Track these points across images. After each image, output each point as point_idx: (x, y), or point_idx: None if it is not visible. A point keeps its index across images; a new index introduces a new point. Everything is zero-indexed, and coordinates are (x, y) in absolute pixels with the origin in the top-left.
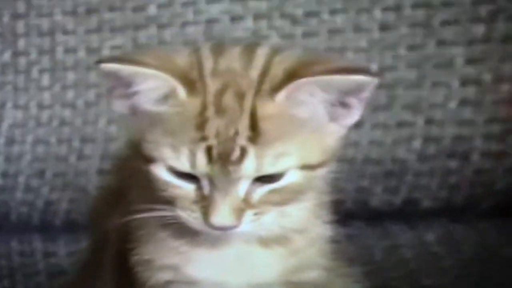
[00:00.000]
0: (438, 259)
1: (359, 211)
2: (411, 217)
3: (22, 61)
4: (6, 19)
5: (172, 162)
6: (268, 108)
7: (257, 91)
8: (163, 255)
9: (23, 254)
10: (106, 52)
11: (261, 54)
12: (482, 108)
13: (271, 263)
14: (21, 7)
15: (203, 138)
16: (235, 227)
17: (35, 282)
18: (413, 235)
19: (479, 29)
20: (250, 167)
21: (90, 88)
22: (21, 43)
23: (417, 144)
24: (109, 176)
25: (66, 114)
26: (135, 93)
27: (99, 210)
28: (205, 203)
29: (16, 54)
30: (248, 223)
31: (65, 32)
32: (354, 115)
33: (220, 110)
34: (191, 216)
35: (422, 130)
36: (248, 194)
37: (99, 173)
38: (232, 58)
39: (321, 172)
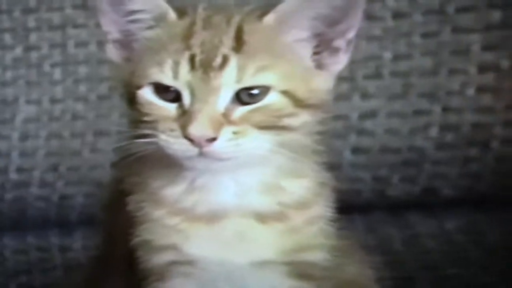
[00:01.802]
0: (460, 249)
1: (378, 201)
2: (430, 206)
3: (34, 55)
4: (17, 14)
5: (156, 76)
6: (255, 26)
7: (246, 15)
8: (162, 235)
9: (39, 249)
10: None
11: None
12: (501, 95)
13: (270, 240)
14: (32, 2)
15: (187, 48)
16: (212, 139)
17: (52, 277)
18: (433, 224)
19: (496, 15)
20: (231, 75)
21: (102, 82)
22: (33, 37)
23: (434, 132)
24: (113, 171)
25: (78, 108)
26: (128, 15)
27: (106, 207)
28: (185, 118)
29: (27, 48)
30: (227, 141)
31: (76, 26)
32: (341, 60)
33: (207, 26)
34: (171, 136)
35: (440, 118)
36: (228, 110)
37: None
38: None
39: (305, 117)
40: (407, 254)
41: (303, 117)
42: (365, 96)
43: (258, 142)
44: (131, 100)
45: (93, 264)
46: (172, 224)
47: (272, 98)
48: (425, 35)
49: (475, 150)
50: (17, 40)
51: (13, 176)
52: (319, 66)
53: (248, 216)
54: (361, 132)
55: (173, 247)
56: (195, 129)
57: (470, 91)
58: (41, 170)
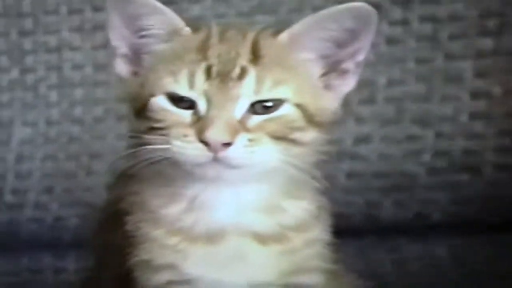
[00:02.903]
0: (448, 274)
1: (369, 225)
2: (421, 231)
3: (30, 77)
4: (13, 36)
5: (171, 86)
6: (270, 41)
7: (260, 32)
8: (161, 254)
9: (33, 270)
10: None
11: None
12: (493, 121)
13: (268, 261)
14: (28, 24)
15: (204, 58)
16: (228, 144)
17: None
18: (422, 249)
19: (487, 43)
20: (249, 86)
21: (98, 104)
22: (29, 60)
23: (426, 157)
24: (107, 193)
25: (74, 130)
26: (141, 31)
27: (99, 229)
28: (200, 124)
29: (24, 71)
30: (242, 148)
31: (72, 48)
32: (349, 82)
33: (223, 39)
34: (185, 141)
35: (432, 143)
36: (244, 118)
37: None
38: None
39: (313, 134)
40: (395, 278)
41: (311, 134)
42: (359, 121)
43: (271, 152)
44: (140, 110)
45: (85, 286)
46: (171, 243)
47: (286, 110)
48: (418, 61)
49: (466, 176)
50: (13, 62)
51: (8, 198)
52: (327, 86)
53: (247, 236)
54: (355, 156)
55: (171, 267)
56: (212, 133)
57: (463, 117)
58: (36, 192)
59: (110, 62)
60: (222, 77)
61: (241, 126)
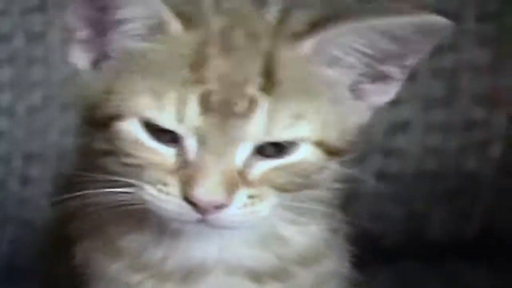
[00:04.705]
0: None
1: (412, 246)
2: (489, 254)
3: None
4: None
5: (151, 113)
6: (289, 56)
7: (276, 35)
8: None
9: None
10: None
11: (274, 2)
12: None
13: None
14: None
15: (199, 81)
16: (223, 204)
17: None
18: (492, 278)
19: None
20: (258, 126)
21: (34, 89)
22: None
23: (495, 150)
24: (53, 207)
25: (1, 124)
26: (115, 23)
27: (42, 258)
28: (187, 172)
29: None
30: (240, 208)
31: None
32: (390, 90)
33: (225, 49)
34: (163, 192)
35: (503, 131)
36: (246, 167)
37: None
38: (237, 0)
39: (336, 165)
40: None
41: (331, 168)
42: (394, 102)
43: (274, 206)
44: (98, 123)
45: None
46: (134, 282)
47: (304, 153)
48: (479, 18)
49: None
50: None
51: None
52: (359, 96)
53: (237, 274)
54: (388, 151)
55: None
56: (203, 192)
57: None
58: None
59: (50, 32)
60: (224, 111)
61: (241, 178)
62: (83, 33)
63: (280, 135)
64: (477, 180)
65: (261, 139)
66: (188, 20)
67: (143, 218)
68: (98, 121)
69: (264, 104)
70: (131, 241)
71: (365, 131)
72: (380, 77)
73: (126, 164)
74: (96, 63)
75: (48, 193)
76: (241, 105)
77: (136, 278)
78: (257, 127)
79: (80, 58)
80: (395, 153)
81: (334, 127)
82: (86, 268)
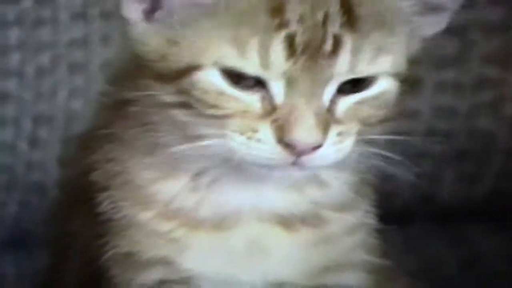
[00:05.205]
0: None
1: (423, 208)
2: (499, 216)
3: None
4: None
5: (233, 61)
6: None
7: None
8: (149, 245)
9: None
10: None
11: None
12: None
13: (295, 253)
14: None
15: (282, 25)
16: (319, 145)
17: None
18: (502, 240)
19: None
20: (344, 63)
21: (42, 50)
22: None
23: (509, 109)
24: (66, 168)
25: (9, 86)
26: None
27: (55, 216)
28: (277, 116)
29: None
30: (332, 145)
31: None
32: (442, 21)
33: None
34: (253, 139)
35: None
36: (332, 104)
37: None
38: None
39: (396, 93)
40: (465, 281)
41: (396, 93)
42: None
43: (354, 142)
44: (168, 77)
45: None
46: (164, 230)
47: (384, 85)
48: None
49: None
50: None
51: None
52: (414, 27)
53: (268, 220)
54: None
55: (164, 262)
56: (302, 135)
57: None
58: None
59: None
60: (309, 51)
61: (330, 115)
62: None
63: (365, 70)
64: (488, 141)
65: (347, 75)
66: None
67: (179, 164)
68: (166, 75)
69: (348, 41)
70: (162, 188)
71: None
72: (431, 9)
73: (207, 115)
74: (150, 14)
75: (57, 155)
76: (328, 44)
77: (166, 226)
78: (344, 65)
79: (133, 9)
80: (405, 113)
81: (404, 57)
82: (113, 217)
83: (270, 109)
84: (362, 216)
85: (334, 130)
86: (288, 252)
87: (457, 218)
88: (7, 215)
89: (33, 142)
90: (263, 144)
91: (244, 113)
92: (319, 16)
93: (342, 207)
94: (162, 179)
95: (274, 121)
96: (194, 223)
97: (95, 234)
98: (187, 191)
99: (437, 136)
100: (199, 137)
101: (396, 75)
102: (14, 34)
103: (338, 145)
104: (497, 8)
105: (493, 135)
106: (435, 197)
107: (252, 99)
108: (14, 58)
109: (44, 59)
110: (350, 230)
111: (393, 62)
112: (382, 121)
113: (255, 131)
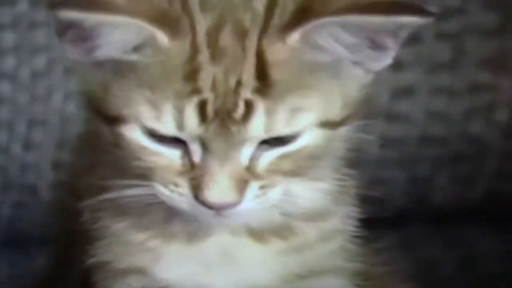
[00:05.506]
0: None
1: (416, 211)
2: (494, 218)
3: None
4: None
5: (151, 123)
6: (279, 51)
7: (264, 29)
8: (126, 254)
9: None
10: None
11: None
12: None
13: (268, 263)
14: None
15: (195, 91)
16: (236, 203)
17: None
18: (496, 241)
19: None
20: (258, 126)
21: (38, 53)
22: None
23: (502, 115)
24: (67, 166)
25: (4, 89)
26: (98, 46)
27: (59, 213)
28: (195, 174)
29: None
30: (252, 199)
31: None
32: (386, 58)
33: (216, 54)
34: (175, 193)
35: (510, 95)
36: (252, 160)
37: (55, 167)
38: None
39: (343, 131)
40: (461, 283)
41: (340, 136)
42: (398, 66)
43: (285, 188)
44: (105, 119)
45: None
46: (138, 241)
47: (307, 137)
48: None
49: None
50: None
51: None
52: (357, 62)
53: (240, 233)
54: (393, 116)
55: (140, 271)
56: (213, 195)
57: None
58: None
59: None
60: (222, 118)
61: (249, 172)
62: (72, 36)
63: (282, 131)
64: (482, 145)
65: (263, 137)
66: (174, 26)
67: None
68: (103, 116)
69: (260, 106)
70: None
71: (369, 96)
72: (376, 47)
73: (134, 166)
74: (93, 61)
75: (51, 158)
76: (239, 111)
77: (140, 236)
78: (257, 129)
79: (74, 53)
80: (399, 118)
81: (336, 103)
82: (92, 226)
83: (189, 167)
84: (339, 222)
85: (254, 185)
86: (260, 262)
87: (452, 220)
88: (1, 217)
89: (28, 145)
90: (184, 198)
91: (166, 167)
92: (231, 82)
93: (316, 216)
94: (134, 188)
95: (192, 179)
96: (167, 235)
97: (83, 241)
98: (155, 207)
99: (431, 141)
100: (128, 185)
101: (326, 124)
102: (9, 37)
103: (261, 198)
104: (491, 13)
105: (487, 139)
106: (430, 200)
107: (174, 155)
108: (9, 61)
109: (39, 62)
110: (326, 237)
111: (318, 115)
112: (316, 166)
113: (176, 185)
